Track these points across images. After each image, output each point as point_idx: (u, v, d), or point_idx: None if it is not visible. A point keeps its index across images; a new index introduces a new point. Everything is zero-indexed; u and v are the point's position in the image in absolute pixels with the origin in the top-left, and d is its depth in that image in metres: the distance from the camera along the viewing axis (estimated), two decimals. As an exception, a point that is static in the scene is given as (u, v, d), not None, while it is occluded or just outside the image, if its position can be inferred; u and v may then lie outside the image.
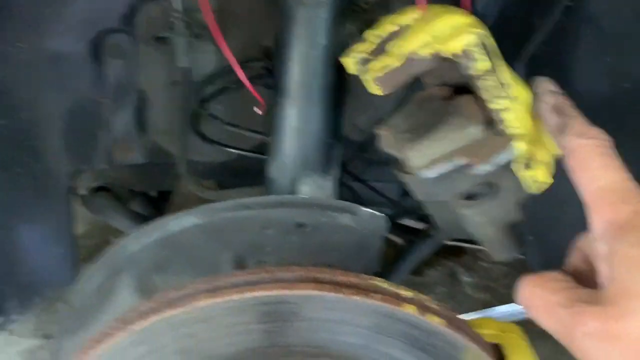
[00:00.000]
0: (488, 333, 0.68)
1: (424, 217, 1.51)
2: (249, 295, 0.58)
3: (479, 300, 1.91)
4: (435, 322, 0.61)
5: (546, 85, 0.62)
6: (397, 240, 1.46)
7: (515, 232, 0.71)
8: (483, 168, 0.67)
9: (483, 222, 0.70)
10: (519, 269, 2.01)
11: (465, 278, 1.98)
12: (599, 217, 0.48)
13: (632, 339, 0.42)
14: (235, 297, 0.58)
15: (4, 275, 1.05)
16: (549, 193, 1.14)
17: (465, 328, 0.64)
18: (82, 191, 1.21)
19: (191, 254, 0.70)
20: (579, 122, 0.56)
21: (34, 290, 1.13)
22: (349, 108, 0.89)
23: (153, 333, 0.59)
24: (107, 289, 0.73)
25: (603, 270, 0.46)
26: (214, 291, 0.59)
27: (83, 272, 0.75)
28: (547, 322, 0.48)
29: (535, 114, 0.64)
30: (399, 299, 0.61)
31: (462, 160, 0.66)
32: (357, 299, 0.59)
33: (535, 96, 0.63)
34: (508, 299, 1.93)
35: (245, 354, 0.60)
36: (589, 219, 0.50)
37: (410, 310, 0.60)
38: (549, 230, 1.17)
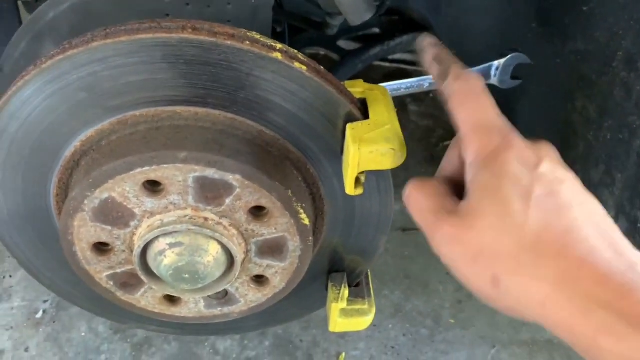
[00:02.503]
0: (356, 90, 0.81)
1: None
2: (135, 37, 0.68)
3: (423, 127, 2.06)
4: (300, 68, 0.72)
5: (427, 40, 0.70)
6: (334, 56, 1.56)
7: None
8: None
9: None
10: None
11: (413, 107, 2.11)
12: (470, 148, 0.57)
13: (471, 245, 0.53)
14: (124, 38, 0.68)
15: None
16: (463, 6, 1.24)
17: (331, 79, 0.76)
18: (27, -3, 1.27)
19: (102, 20, 0.80)
20: (455, 68, 0.64)
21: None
22: None
23: (60, 71, 0.71)
24: (32, 54, 0.84)
25: (467, 190, 0.56)
26: (106, 35, 0.69)
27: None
28: (419, 221, 0.59)
29: None
30: (269, 48, 0.72)
31: None
32: (229, 43, 0.70)
33: (419, 52, 0.70)
34: (449, 125, 2.07)
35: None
36: (463, 149, 0.58)
37: (277, 55, 0.71)
38: (465, 39, 1.27)
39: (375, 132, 0.74)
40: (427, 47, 0.70)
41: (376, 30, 1.58)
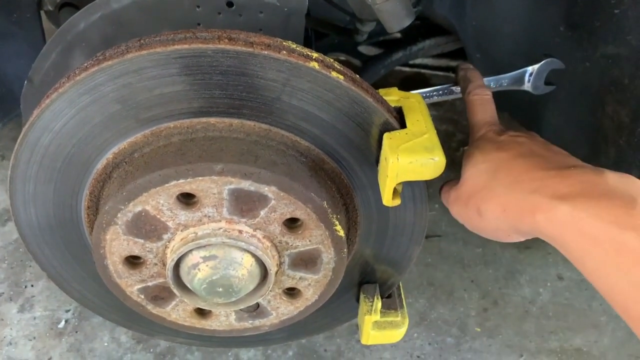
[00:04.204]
0: (391, 99, 0.79)
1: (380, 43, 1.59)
2: (171, 48, 0.67)
3: (442, 131, 2.03)
4: (337, 77, 0.71)
5: (462, 64, 0.95)
6: (355, 62, 1.55)
7: (406, 2, 0.78)
8: None
9: None
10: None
11: (432, 112, 2.09)
12: (474, 135, 0.83)
13: (463, 195, 0.76)
14: (159, 49, 0.67)
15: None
16: (490, 11, 1.22)
17: (367, 88, 0.74)
18: (48, 7, 1.26)
19: (133, 30, 0.79)
20: (472, 84, 0.89)
21: (13, 100, 1.23)
22: None
23: (94, 83, 0.70)
24: (62, 65, 0.83)
25: None
26: (141, 46, 0.68)
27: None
28: (450, 208, 0.80)
29: None
30: (306, 57, 0.70)
31: None
32: (266, 53, 0.68)
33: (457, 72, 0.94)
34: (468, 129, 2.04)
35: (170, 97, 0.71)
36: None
37: (314, 65, 0.70)
38: (491, 43, 1.25)
39: (414, 141, 0.72)
40: (460, 69, 0.95)
41: (397, 35, 1.57)
